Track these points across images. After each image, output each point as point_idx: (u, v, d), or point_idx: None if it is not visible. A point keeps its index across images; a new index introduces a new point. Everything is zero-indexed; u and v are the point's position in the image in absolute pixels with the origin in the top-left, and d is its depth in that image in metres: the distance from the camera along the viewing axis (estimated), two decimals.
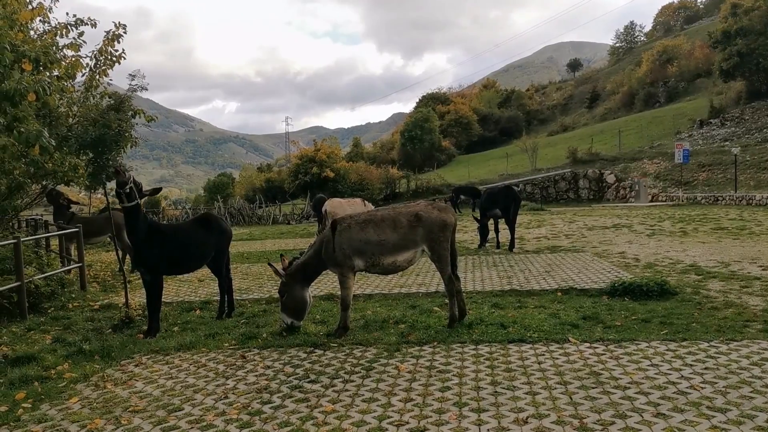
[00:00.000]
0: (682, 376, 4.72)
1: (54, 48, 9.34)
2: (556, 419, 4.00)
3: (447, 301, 6.79)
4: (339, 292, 6.74)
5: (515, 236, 13.47)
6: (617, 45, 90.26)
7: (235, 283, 8.92)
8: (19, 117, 6.63)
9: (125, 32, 10.01)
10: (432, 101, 68.91)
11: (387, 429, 4.00)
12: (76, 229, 11.13)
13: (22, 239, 8.75)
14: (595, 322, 6.54)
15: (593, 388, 4.54)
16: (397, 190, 39.91)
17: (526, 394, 4.49)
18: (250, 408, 4.50)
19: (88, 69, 10.33)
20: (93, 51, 10.22)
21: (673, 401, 4.21)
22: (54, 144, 6.94)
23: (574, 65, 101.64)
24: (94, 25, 10.02)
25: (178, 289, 10.31)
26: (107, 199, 13.31)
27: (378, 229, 6.39)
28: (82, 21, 9.94)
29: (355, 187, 38.53)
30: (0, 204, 10.95)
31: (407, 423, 4.07)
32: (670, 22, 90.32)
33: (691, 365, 4.96)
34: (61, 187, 13.46)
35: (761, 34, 39.63)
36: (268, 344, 6.27)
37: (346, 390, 4.78)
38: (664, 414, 4.00)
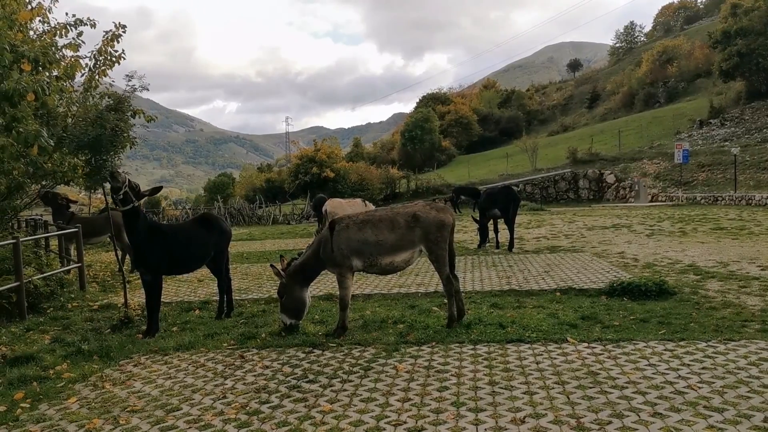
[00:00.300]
0: (680, 375, 4.73)
1: (53, 48, 9.36)
2: (553, 419, 4.01)
3: (446, 301, 6.79)
4: (338, 292, 6.75)
5: (514, 236, 13.49)
6: (617, 45, 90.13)
7: (234, 283, 8.93)
8: (18, 117, 6.64)
9: (124, 32, 10.03)
10: (432, 101, 68.84)
11: (385, 429, 4.01)
12: (76, 230, 11.14)
13: (21, 239, 8.76)
14: (593, 322, 6.54)
15: (591, 387, 4.55)
16: (397, 191, 39.89)
17: (524, 393, 4.49)
18: (248, 408, 4.51)
19: (87, 69, 10.34)
20: (92, 51, 10.25)
21: (670, 401, 4.22)
22: (53, 144, 6.95)
23: (575, 65, 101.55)
24: (93, 26, 10.04)
25: (177, 289, 10.32)
26: (106, 200, 13.31)
27: (376, 230, 6.40)
28: (81, 21, 9.96)
29: (356, 187, 38.49)
30: None
31: (405, 423, 4.08)
32: (670, 22, 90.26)
33: (689, 365, 4.97)
34: (61, 187, 13.47)
35: (761, 34, 39.59)
36: (266, 344, 6.28)
37: (344, 390, 4.79)
38: (661, 414, 4.01)
